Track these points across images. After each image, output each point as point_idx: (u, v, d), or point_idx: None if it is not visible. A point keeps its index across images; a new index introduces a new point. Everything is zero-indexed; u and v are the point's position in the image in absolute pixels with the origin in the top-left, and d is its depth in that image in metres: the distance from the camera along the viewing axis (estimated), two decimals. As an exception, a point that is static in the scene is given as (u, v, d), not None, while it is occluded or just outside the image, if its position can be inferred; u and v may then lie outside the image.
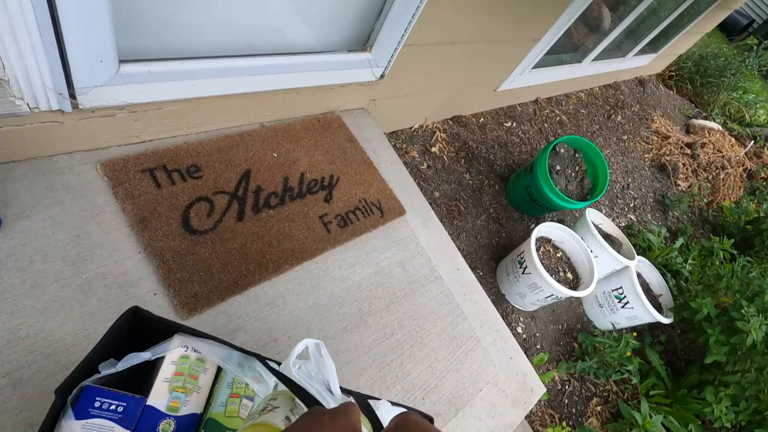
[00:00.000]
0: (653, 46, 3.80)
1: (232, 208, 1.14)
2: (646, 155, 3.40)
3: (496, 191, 2.16)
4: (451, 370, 1.24)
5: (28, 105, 0.86)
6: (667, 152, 3.50)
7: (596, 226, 1.85)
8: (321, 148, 1.41)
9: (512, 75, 2.26)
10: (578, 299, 2.00)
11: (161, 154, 1.12)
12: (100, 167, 1.04)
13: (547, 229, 1.73)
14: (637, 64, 3.86)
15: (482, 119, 2.48)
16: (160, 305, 0.95)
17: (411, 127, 2.11)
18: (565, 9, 1.97)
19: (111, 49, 0.86)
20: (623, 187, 2.95)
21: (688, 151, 3.60)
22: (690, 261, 2.31)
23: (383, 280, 1.28)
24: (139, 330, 0.67)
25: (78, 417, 0.53)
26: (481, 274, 1.83)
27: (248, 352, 0.66)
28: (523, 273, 1.64)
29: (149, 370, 0.62)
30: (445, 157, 2.12)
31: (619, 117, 3.55)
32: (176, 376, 0.61)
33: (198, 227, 1.07)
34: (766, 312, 1.67)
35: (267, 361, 0.64)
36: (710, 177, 3.50)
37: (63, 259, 0.91)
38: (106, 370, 0.59)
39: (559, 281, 1.56)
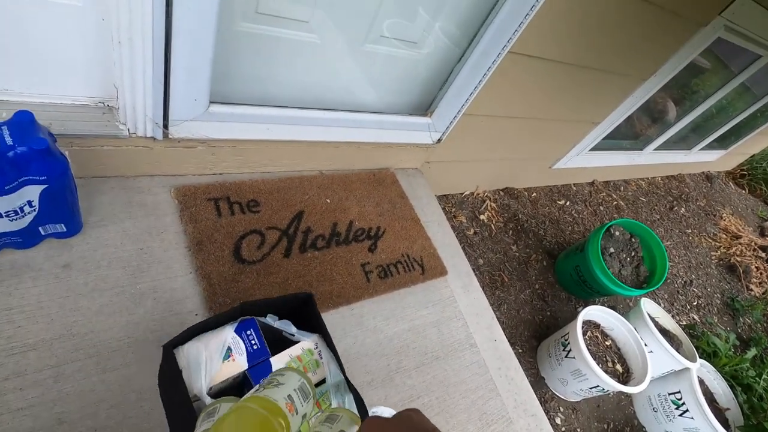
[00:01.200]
0: (722, 143, 3.69)
1: (281, 244, 1.20)
2: (712, 253, 3.17)
3: (544, 267, 2.09)
4: (478, 450, 1.14)
5: (128, 130, 0.99)
6: (738, 252, 3.25)
7: (652, 319, 1.71)
8: (372, 200, 1.46)
9: (569, 154, 2.28)
10: (628, 397, 1.81)
11: (227, 186, 1.22)
12: (173, 191, 1.14)
13: (596, 312, 1.62)
14: (705, 158, 3.74)
15: (534, 194, 2.47)
16: (199, 326, 0.99)
17: (462, 193, 2.15)
18: (626, 97, 2.00)
19: (206, 90, 0.99)
20: (685, 282, 2.74)
21: (763, 255, 3.32)
22: (765, 376, 2.04)
23: (416, 338, 1.25)
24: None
25: (236, 330, 0.76)
26: (520, 351, 1.72)
27: (350, 384, 0.79)
28: (566, 356, 1.52)
29: (284, 344, 0.81)
30: (493, 226, 2.11)
31: (683, 210, 3.38)
32: (296, 359, 0.78)
33: (247, 257, 1.13)
34: None
35: (361, 400, 0.77)
36: (789, 286, 3.16)
37: (124, 268, 0.98)
38: (265, 321, 0.80)
39: (606, 371, 1.43)
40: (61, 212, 0.88)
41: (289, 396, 0.57)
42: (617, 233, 1.84)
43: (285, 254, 1.19)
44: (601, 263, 1.66)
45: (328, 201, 1.37)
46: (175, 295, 1.01)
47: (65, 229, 0.92)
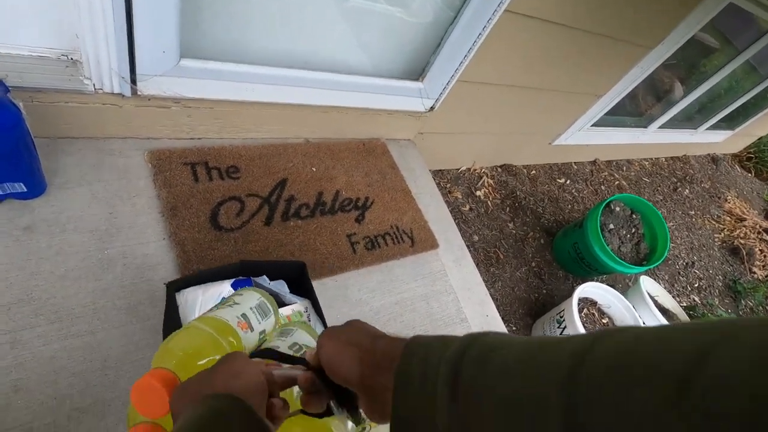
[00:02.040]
0: (730, 123, 3.58)
1: (262, 212, 1.14)
2: (716, 235, 3.10)
3: (541, 245, 2.03)
4: None
5: (94, 85, 0.93)
6: (742, 235, 3.18)
7: (652, 297, 1.66)
8: (361, 170, 1.40)
9: (570, 130, 2.20)
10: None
11: (206, 151, 1.16)
12: (147, 155, 1.08)
13: (592, 289, 1.57)
14: (710, 139, 3.64)
15: (534, 171, 2.40)
16: (171, 294, 0.94)
17: (458, 169, 2.08)
18: (631, 67, 1.91)
19: (174, 43, 0.92)
20: (687, 264, 2.68)
21: (767, 238, 3.25)
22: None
23: (404, 312, 1.20)
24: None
25: (232, 285, 0.78)
26: (514, 329, 1.67)
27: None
28: (561, 334, 1.47)
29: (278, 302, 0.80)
30: (489, 202, 2.05)
31: (687, 191, 3.30)
32: (285, 318, 0.79)
33: (225, 224, 1.07)
34: None
35: None
36: (793, 269, 3.10)
37: (92, 232, 0.93)
38: (261, 280, 0.82)
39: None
40: (18, 169, 0.82)
41: (244, 315, 0.58)
42: (617, 209, 1.78)
43: (266, 222, 1.13)
44: (600, 239, 1.60)
45: (314, 169, 1.30)
46: (147, 261, 0.95)
47: (25, 189, 0.87)
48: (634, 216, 1.80)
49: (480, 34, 1.25)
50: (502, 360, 0.27)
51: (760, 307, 2.78)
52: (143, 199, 1.03)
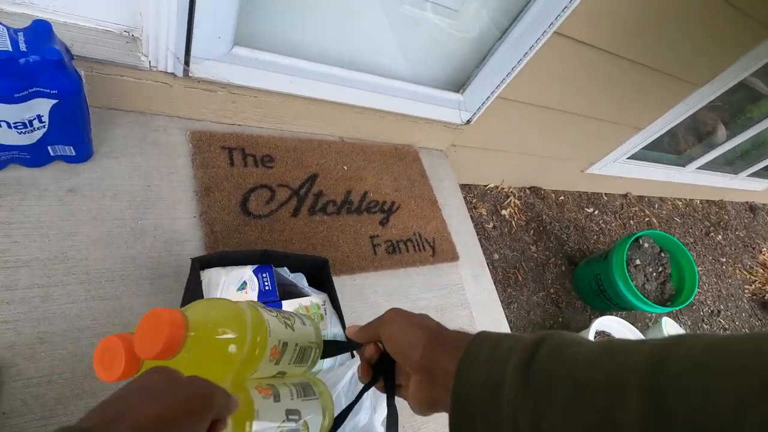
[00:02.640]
0: (773, 173, 3.45)
1: (291, 203, 1.16)
2: (746, 286, 2.98)
3: (562, 272, 1.99)
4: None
5: (149, 62, 0.97)
6: (774, 290, 3.04)
7: (672, 339, 1.60)
8: (390, 174, 1.41)
9: (605, 159, 2.16)
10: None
11: (244, 138, 1.19)
12: (189, 134, 1.12)
13: (611, 323, 1.53)
14: (750, 187, 3.51)
15: (562, 198, 2.36)
16: (195, 271, 0.96)
17: (486, 185, 2.07)
18: (676, 104, 1.87)
19: (230, 29, 0.95)
20: (712, 312, 2.58)
21: (801, 296, 3.09)
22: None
23: (417, 319, 1.19)
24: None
25: (254, 270, 0.80)
26: (525, 353, 1.64)
27: (348, 339, 0.78)
28: (573, 364, 1.44)
29: (292, 293, 0.85)
30: (514, 223, 2.03)
31: (720, 237, 3.19)
32: (303, 308, 0.81)
33: (254, 210, 1.10)
34: None
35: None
36: (827, 332, 2.95)
37: (129, 202, 0.96)
38: (282, 271, 0.84)
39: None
40: (72, 134, 0.86)
41: (284, 344, 0.48)
42: (646, 245, 1.73)
43: (293, 214, 1.15)
44: (624, 274, 1.56)
45: (345, 168, 1.32)
46: (176, 236, 0.98)
47: (74, 153, 0.91)
48: (662, 254, 1.75)
49: (526, 53, 1.25)
50: (578, 351, 0.27)
51: (787, 368, 2.65)
52: (180, 176, 1.06)
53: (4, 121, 0.75)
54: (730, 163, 3.04)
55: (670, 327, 1.66)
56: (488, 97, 1.39)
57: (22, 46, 0.71)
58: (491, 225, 1.94)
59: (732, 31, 1.53)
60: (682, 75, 1.68)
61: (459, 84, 1.41)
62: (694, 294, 1.63)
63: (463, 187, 1.97)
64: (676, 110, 1.90)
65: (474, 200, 1.97)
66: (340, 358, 0.76)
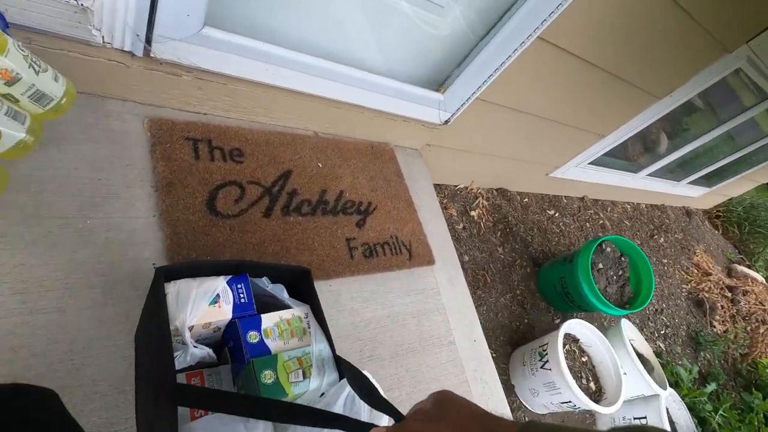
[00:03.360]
0: (707, 181, 3.75)
1: (262, 202, 1.07)
2: (684, 285, 3.21)
3: (527, 274, 2.03)
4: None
5: (103, 38, 0.84)
6: (707, 289, 3.30)
7: (629, 341, 1.67)
8: (366, 173, 1.35)
9: (568, 164, 2.22)
10: (593, 415, 1.77)
11: (210, 128, 1.08)
12: (147, 122, 1.00)
13: (578, 327, 1.57)
14: (689, 193, 3.79)
15: (526, 200, 2.41)
16: (155, 277, 0.85)
17: (456, 186, 2.05)
18: (636, 114, 1.94)
19: (202, 7, 0.85)
20: (656, 310, 2.75)
21: (729, 295, 3.39)
22: (721, 412, 2.06)
23: (394, 327, 1.15)
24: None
25: (228, 282, 0.72)
26: (494, 355, 1.65)
27: (336, 356, 0.75)
28: (542, 367, 1.46)
29: (274, 307, 0.77)
30: (482, 224, 2.03)
31: (662, 239, 3.41)
32: (285, 321, 0.75)
33: (222, 210, 1.00)
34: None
35: (344, 369, 0.72)
36: (749, 328, 3.25)
37: (74, 197, 0.84)
38: (260, 282, 0.77)
39: (579, 388, 1.38)
40: (4, 116, 0.73)
41: None
42: (608, 249, 1.79)
43: (265, 214, 1.06)
44: (589, 277, 1.61)
45: (320, 165, 1.24)
46: (133, 238, 0.87)
47: (7, 139, 0.77)
48: (623, 259, 1.82)
49: (510, 56, 1.23)
50: None
51: (717, 361, 2.89)
52: (137, 170, 0.94)
53: None
54: (675, 172, 3.26)
55: (628, 328, 1.74)
56: (468, 98, 1.36)
57: (-58, 7, 0.58)
58: (461, 226, 1.93)
59: (694, 48, 1.60)
60: (646, 87, 1.74)
61: (439, 83, 1.37)
62: (650, 296, 1.71)
63: (434, 186, 1.95)
64: (637, 120, 1.98)
65: (444, 200, 1.95)
66: (327, 381, 0.70)
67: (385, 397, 0.58)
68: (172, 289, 0.67)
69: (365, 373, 0.71)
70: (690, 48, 1.60)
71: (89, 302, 0.77)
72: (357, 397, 0.69)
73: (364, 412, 0.68)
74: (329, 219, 1.17)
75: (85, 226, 0.82)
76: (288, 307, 0.77)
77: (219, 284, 0.71)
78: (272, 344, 0.72)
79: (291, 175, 1.16)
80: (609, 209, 3.11)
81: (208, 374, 0.71)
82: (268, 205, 1.07)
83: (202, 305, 0.67)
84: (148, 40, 0.86)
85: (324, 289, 1.07)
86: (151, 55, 0.88)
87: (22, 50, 0.67)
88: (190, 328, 0.66)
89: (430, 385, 1.13)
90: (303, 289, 0.81)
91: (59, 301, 0.74)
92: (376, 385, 0.67)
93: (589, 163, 2.32)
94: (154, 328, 0.63)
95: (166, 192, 0.94)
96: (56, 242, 0.78)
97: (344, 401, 0.68)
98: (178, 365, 0.64)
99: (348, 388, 0.67)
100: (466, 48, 1.29)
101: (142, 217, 0.90)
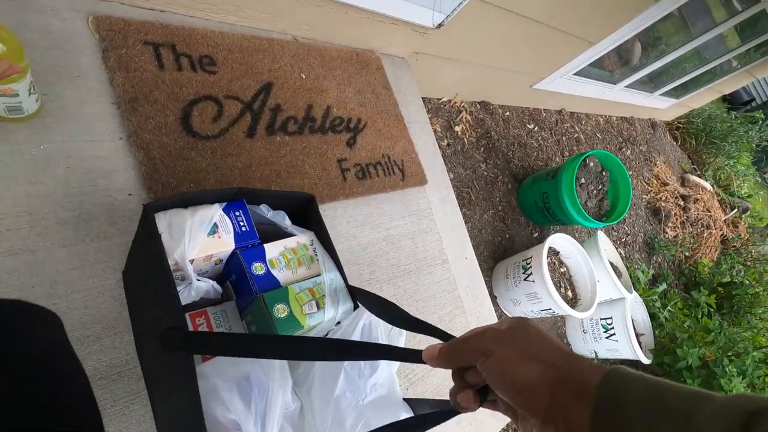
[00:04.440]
0: (676, 93, 3.78)
1: (244, 120, 0.95)
2: (644, 196, 3.38)
3: (508, 190, 2.03)
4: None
5: None
6: (664, 198, 3.51)
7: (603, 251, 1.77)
8: (354, 85, 1.22)
9: (554, 74, 2.13)
10: (563, 318, 1.93)
11: (172, 30, 0.90)
12: (92, 20, 0.81)
13: (560, 240, 1.62)
14: (657, 105, 3.84)
15: (508, 113, 2.34)
16: (133, 210, 0.76)
17: (440, 99, 1.94)
18: (630, 18, 1.83)
19: None
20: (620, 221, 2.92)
21: (682, 203, 3.63)
22: (669, 308, 2.30)
23: (390, 249, 1.13)
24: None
25: (224, 209, 0.65)
26: (478, 270, 1.70)
27: (348, 284, 0.71)
28: (525, 279, 1.53)
29: (275, 237, 0.70)
30: (465, 140, 1.97)
31: (629, 152, 3.51)
32: (290, 251, 0.70)
33: (199, 130, 0.87)
34: (744, 374, 1.66)
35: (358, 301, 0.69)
36: (695, 233, 3.54)
37: (30, 123, 0.69)
38: (259, 210, 0.70)
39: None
40: None
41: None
42: (591, 164, 1.80)
43: (248, 134, 0.94)
44: (573, 192, 1.63)
45: (303, 76, 1.10)
46: (100, 165, 0.75)
47: None
48: (604, 173, 1.85)
49: (518, -57, 1.06)
50: None
51: (666, 263, 3.17)
52: (90, 81, 0.78)
53: None
54: (646, 83, 3.24)
55: (603, 240, 1.83)
56: (466, -4, 1.21)
57: None
58: (446, 143, 1.86)
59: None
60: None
61: (434, -23, 1.20)
62: (626, 210, 1.78)
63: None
64: (630, 26, 1.88)
65: (429, 115, 1.85)
66: (342, 310, 0.67)
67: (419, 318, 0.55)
68: (162, 221, 0.58)
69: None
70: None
71: (62, 239, 0.67)
72: (373, 324, 0.67)
73: (382, 339, 0.67)
74: (318, 138, 1.07)
75: (39, 152, 0.69)
76: (291, 234, 0.71)
77: (215, 212, 0.63)
78: (280, 275, 0.67)
79: (272, 88, 1.02)
80: (583, 122, 3.11)
81: (212, 313, 0.66)
82: (250, 124, 0.95)
83: (200, 236, 0.60)
84: None
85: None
86: (87, -74, 0.68)
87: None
88: (191, 261, 0.60)
89: (427, 303, 1.15)
90: (308, 217, 0.75)
91: (26, 241, 0.64)
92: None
93: (574, 74, 2.23)
94: (152, 269, 0.56)
95: (131, 109, 0.80)
96: (9, 173, 0.66)
97: (361, 330, 0.66)
98: (182, 301, 0.59)
99: (365, 316, 0.65)
100: (467, -67, 1.11)
101: (107, 140, 0.77)
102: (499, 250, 1.82)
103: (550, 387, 0.29)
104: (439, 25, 1.30)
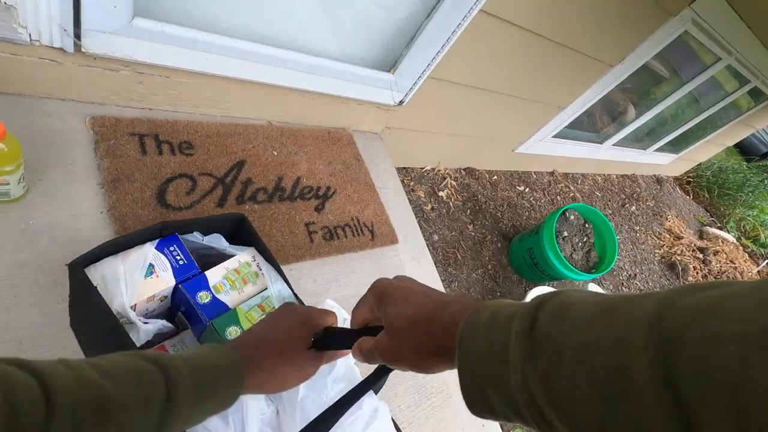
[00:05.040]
0: (675, 148, 3.84)
1: (215, 192, 1.07)
2: (656, 250, 3.30)
3: (498, 249, 2.07)
4: (413, 423, 1.08)
5: (30, 35, 0.83)
6: (679, 252, 3.41)
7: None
8: (324, 158, 1.35)
9: (532, 138, 2.26)
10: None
11: (157, 123, 1.08)
12: (89, 120, 0.99)
13: (543, 292, 1.61)
14: (657, 161, 3.89)
15: (495, 177, 2.45)
16: (105, 273, 0.85)
17: (422, 168, 2.08)
18: (592, 83, 1.99)
19: (128, -3, 0.84)
20: (630, 276, 2.83)
21: (700, 256, 3.50)
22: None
23: (359, 305, 1.17)
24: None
25: (156, 247, 0.68)
26: (467, 329, 1.69)
27: (295, 293, 0.78)
28: (512, 335, 1.50)
29: (217, 259, 0.75)
30: (451, 204, 2.06)
31: (633, 207, 3.50)
32: (234, 272, 0.73)
33: (173, 202, 1.00)
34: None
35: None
36: (721, 286, 3.36)
37: (16, 204, 0.83)
38: (193, 237, 0.74)
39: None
40: (-73, 119, 0.72)
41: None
42: (572, 217, 1.84)
43: (219, 204, 1.06)
44: (554, 245, 1.65)
45: (275, 153, 1.25)
46: (80, 235, 0.86)
47: (-64, 143, 0.76)
48: (587, 225, 1.87)
49: (454, 31, 1.24)
50: (581, 310, 0.27)
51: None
52: (80, 167, 0.93)
53: None
54: (640, 140, 3.34)
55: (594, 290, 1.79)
56: (419, 76, 1.38)
57: None
58: (429, 207, 1.95)
59: (639, 13, 1.64)
60: (597, 55, 1.78)
61: (390, 64, 1.38)
62: (614, 260, 1.76)
63: (400, 170, 1.97)
64: (593, 90, 2.02)
65: (411, 183, 1.97)
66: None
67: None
68: (95, 274, 0.65)
69: (329, 301, 0.73)
70: (635, 13, 1.63)
71: (36, 300, 0.76)
72: None
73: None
74: (287, 205, 1.18)
75: (27, 227, 0.82)
76: (232, 255, 0.75)
77: (147, 252, 0.68)
78: (227, 298, 0.70)
79: (245, 165, 1.16)
80: (579, 181, 3.18)
81: (171, 345, 0.70)
82: (221, 195, 1.08)
83: (137, 279, 0.65)
84: (77, 35, 0.85)
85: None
86: (83, 50, 0.87)
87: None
88: (133, 307, 0.66)
89: (398, 359, 1.16)
90: (242, 234, 0.80)
91: (3, 301, 0.74)
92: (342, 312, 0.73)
93: (553, 136, 2.36)
94: (96, 321, 0.63)
95: (113, 188, 0.93)
96: (-3, 244, 0.78)
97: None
98: (137, 344, 0.64)
99: None
100: (412, 28, 1.30)
101: (89, 215, 0.89)
102: (490, 309, 1.81)
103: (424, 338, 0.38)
104: (400, 102, 1.46)
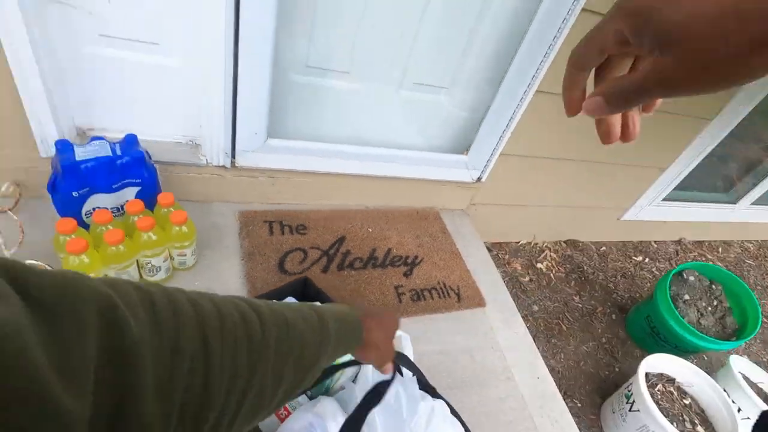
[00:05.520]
0: None
1: (321, 261, 1.33)
2: None
3: (612, 321, 1.90)
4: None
5: (206, 160, 1.27)
6: None
7: (746, 378, 1.43)
8: (413, 232, 1.55)
9: (637, 204, 2.16)
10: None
11: (283, 213, 1.43)
12: (238, 214, 1.37)
13: (662, 363, 1.42)
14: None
15: (604, 248, 2.33)
16: (240, 321, 1.12)
17: (518, 242, 2.12)
18: (693, 138, 1.90)
19: (263, 126, 1.24)
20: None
21: None
22: None
23: (447, 361, 1.24)
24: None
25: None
26: (579, 405, 1.54)
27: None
28: (630, 410, 1.33)
29: None
30: (552, 275, 2.02)
31: (810, 277, 2.84)
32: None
33: (289, 269, 1.27)
34: None
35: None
36: None
37: (188, 272, 1.19)
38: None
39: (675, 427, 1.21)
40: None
41: None
42: (691, 278, 1.65)
43: (323, 270, 1.31)
44: (671, 309, 1.49)
45: (370, 230, 1.49)
46: (224, 292, 1.17)
47: (150, 233, 1.17)
48: (713, 287, 1.64)
49: (514, 111, 1.43)
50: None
51: None
52: (230, 248, 1.28)
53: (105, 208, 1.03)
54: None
55: (739, 363, 1.49)
56: (491, 154, 1.56)
57: (118, 151, 1.01)
58: (527, 278, 1.95)
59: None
60: (687, 111, 1.75)
61: (464, 147, 1.60)
62: (759, 324, 1.48)
63: (494, 245, 2.05)
64: (696, 145, 1.93)
65: (506, 257, 2.02)
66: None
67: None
68: None
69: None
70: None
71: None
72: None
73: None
74: (379, 271, 1.38)
75: (194, 287, 1.15)
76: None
77: None
78: None
79: (345, 240, 1.42)
80: (721, 250, 2.77)
81: None
82: (325, 264, 1.33)
83: None
84: (233, 155, 1.26)
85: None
86: (236, 165, 1.28)
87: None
88: None
89: (489, 417, 1.15)
90: (310, 294, 1.01)
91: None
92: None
93: (663, 200, 2.21)
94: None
95: (249, 260, 1.25)
96: (176, 298, 1.11)
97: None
98: None
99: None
100: (479, 113, 1.53)
101: (232, 280, 1.21)
102: (607, 385, 1.62)
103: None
104: (479, 179, 1.63)
